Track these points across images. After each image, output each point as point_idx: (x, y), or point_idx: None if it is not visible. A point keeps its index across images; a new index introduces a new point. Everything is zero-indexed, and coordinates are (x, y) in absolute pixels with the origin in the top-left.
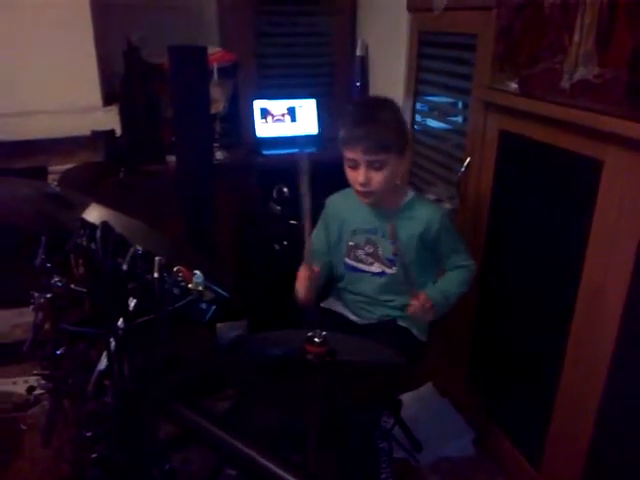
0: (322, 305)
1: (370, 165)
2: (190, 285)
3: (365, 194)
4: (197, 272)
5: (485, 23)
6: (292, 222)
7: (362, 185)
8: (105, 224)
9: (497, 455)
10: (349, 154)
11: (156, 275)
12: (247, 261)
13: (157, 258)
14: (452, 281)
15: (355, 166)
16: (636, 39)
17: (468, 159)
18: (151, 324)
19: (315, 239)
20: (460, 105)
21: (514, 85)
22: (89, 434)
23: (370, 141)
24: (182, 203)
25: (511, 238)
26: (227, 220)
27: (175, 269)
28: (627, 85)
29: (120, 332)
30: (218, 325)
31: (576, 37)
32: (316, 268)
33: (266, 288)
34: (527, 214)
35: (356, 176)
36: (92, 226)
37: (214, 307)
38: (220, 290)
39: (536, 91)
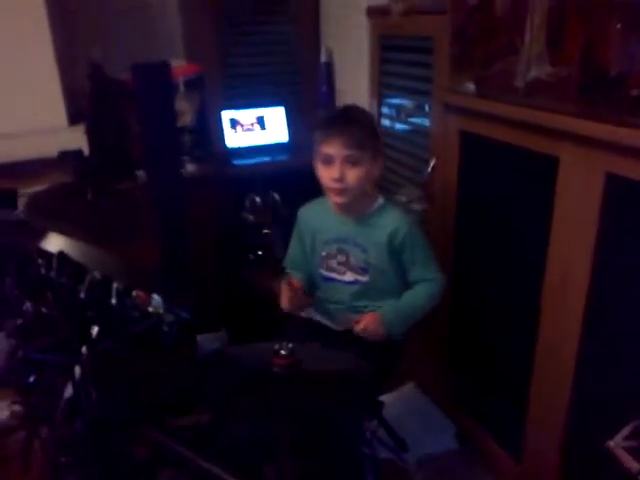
0: (302, 315)
1: (346, 160)
2: (150, 308)
3: (339, 192)
4: (155, 296)
5: (441, 26)
6: (265, 231)
7: (336, 181)
8: (61, 254)
9: (479, 449)
10: (326, 149)
11: (114, 301)
12: (223, 272)
13: (114, 284)
14: (410, 297)
15: (330, 162)
16: (586, 37)
17: (433, 160)
18: (113, 349)
19: (291, 251)
20: (426, 108)
21: (471, 86)
22: (64, 460)
23: (348, 135)
24: (154, 218)
25: (478, 236)
26: (201, 232)
27: (133, 294)
28: (579, 83)
29: (84, 359)
30: (198, 337)
31: (527, 37)
32: (295, 281)
33: (243, 298)
34: (492, 212)
35: (330, 172)
36: (49, 255)
37: (176, 329)
38: (180, 312)
39: (492, 92)
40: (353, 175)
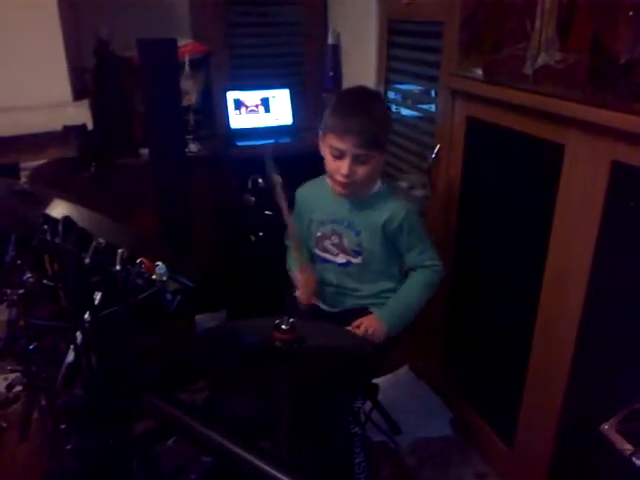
0: (296, 295)
1: (356, 158)
2: (154, 276)
3: (345, 185)
4: (159, 263)
5: (450, 11)
6: (267, 213)
7: (345, 177)
8: (67, 219)
9: (472, 434)
10: (337, 144)
11: (118, 267)
12: (224, 252)
13: (119, 250)
14: (406, 293)
15: (340, 156)
16: (596, 24)
17: (438, 146)
18: (116, 316)
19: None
20: (433, 93)
21: (479, 72)
22: (63, 426)
23: (362, 135)
24: (156, 196)
25: (481, 223)
26: (202, 212)
27: (138, 261)
28: (588, 70)
29: (86, 325)
30: (197, 316)
31: (537, 23)
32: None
33: (244, 278)
34: (495, 199)
35: (339, 167)
36: (55, 221)
37: (179, 297)
38: (184, 280)
39: (500, 77)
40: (362, 171)
